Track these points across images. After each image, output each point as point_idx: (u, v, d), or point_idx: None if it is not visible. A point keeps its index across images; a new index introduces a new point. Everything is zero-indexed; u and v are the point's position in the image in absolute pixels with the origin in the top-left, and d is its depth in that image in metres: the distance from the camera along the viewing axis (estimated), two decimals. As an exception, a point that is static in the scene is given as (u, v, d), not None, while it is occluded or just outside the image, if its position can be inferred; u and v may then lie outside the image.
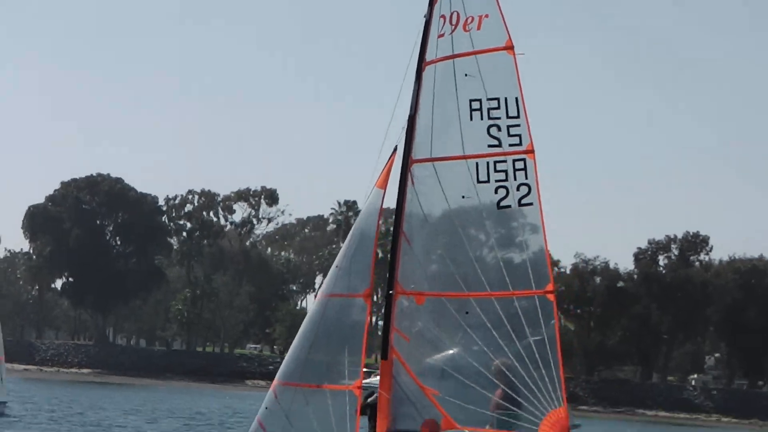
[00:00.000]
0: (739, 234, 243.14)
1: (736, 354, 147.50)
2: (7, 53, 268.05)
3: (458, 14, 23.56)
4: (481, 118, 23.29)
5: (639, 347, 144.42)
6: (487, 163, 23.20)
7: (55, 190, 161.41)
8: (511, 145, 23.14)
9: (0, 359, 56.65)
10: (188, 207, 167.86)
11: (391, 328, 23.79)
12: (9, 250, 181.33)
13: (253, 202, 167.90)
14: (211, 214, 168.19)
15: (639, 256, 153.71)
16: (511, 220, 23.47)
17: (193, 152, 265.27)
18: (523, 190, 23.24)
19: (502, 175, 23.21)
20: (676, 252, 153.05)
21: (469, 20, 23.49)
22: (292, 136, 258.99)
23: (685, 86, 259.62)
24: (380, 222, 24.38)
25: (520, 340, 23.00)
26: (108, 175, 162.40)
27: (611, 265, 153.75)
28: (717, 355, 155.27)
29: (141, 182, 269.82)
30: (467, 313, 23.43)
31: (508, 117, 23.20)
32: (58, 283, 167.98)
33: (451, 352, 23.53)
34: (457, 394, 23.35)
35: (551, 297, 23.20)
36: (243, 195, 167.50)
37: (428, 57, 23.67)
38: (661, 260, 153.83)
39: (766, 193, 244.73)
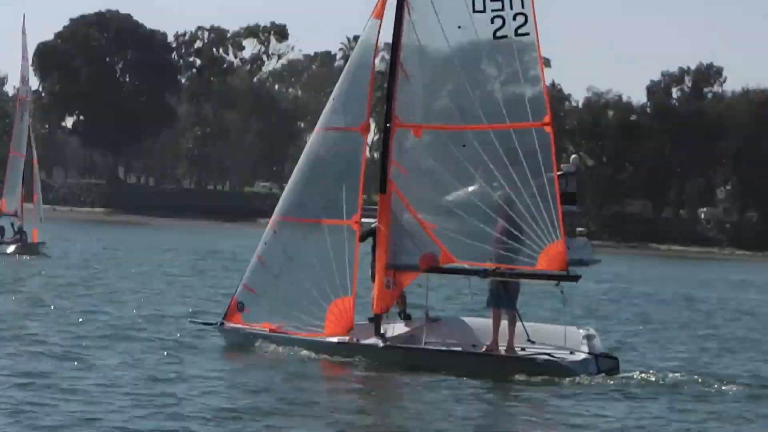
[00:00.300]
0: (754, 65, 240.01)
1: (748, 186, 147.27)
2: None
3: None
4: None
5: (651, 182, 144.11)
6: None
7: (64, 27, 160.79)
8: None
9: (36, 198, 55.54)
10: (198, 44, 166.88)
11: (389, 162, 23.66)
12: (18, 89, 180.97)
13: (263, 38, 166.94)
14: (221, 50, 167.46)
15: (652, 89, 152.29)
16: (508, 51, 23.10)
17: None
18: (520, 19, 22.91)
19: (498, 4, 22.89)
20: (689, 84, 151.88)
21: None
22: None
23: None
24: (377, 54, 24.16)
25: (518, 174, 22.82)
26: (117, 11, 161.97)
27: (624, 99, 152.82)
28: (728, 187, 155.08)
29: (150, 19, 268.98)
30: (464, 146, 23.29)
31: None
32: (69, 123, 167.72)
33: (448, 186, 23.44)
34: (455, 228, 23.31)
35: (549, 129, 22.90)
36: (253, 31, 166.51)
37: None
38: (675, 93, 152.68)
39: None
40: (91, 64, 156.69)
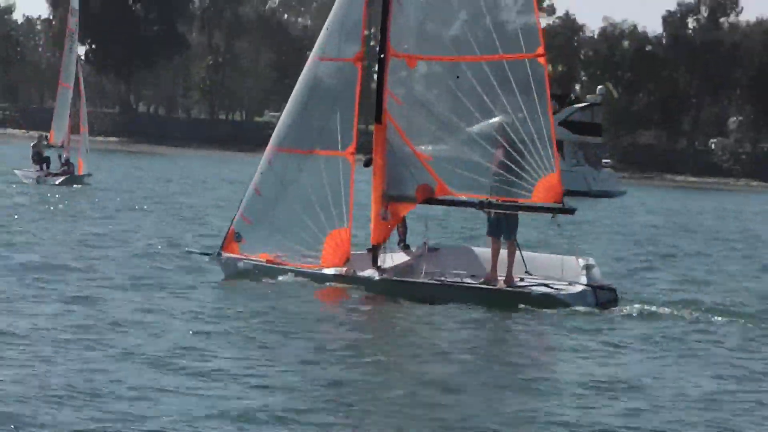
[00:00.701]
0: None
1: (762, 115, 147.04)
2: None
3: None
4: None
5: (666, 111, 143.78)
6: None
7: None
8: None
9: (83, 130, 55.46)
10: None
11: (384, 92, 23.61)
12: (27, 16, 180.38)
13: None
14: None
15: (668, 19, 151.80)
16: (501, -21, 23.03)
17: None
18: (512, -56, 22.94)
19: (493, -71, 22.91)
20: (705, 14, 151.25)
21: None
22: None
23: None
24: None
25: (512, 106, 22.80)
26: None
27: (639, 29, 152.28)
28: (740, 117, 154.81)
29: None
30: (458, 77, 23.26)
31: None
32: (80, 51, 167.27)
33: (444, 117, 23.41)
34: (451, 159, 23.35)
35: (542, 60, 22.84)
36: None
37: None
38: (690, 23, 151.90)
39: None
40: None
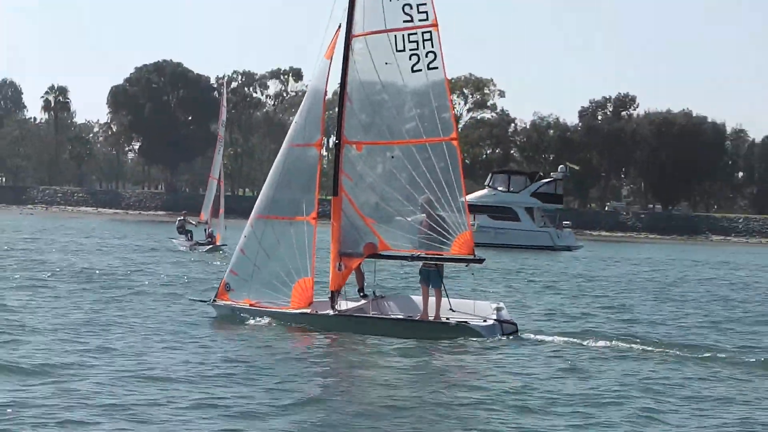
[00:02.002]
0: (660, 93, 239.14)
1: (650, 186, 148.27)
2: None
3: None
4: None
5: (580, 183, 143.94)
6: (403, 35, 22.57)
7: (131, 74, 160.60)
8: (420, 20, 22.50)
9: (221, 212, 56.12)
10: (234, 84, 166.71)
11: (339, 172, 23.27)
12: (88, 120, 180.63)
13: (283, 79, 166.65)
14: (251, 89, 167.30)
15: (582, 113, 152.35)
16: (422, 81, 22.63)
17: (236, 40, 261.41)
18: (430, 57, 22.59)
19: (414, 45, 22.58)
20: (610, 108, 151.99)
21: None
22: (306, 24, 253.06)
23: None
24: (327, 86, 23.70)
25: (433, 177, 22.54)
26: (171, 60, 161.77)
27: (561, 120, 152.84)
28: (632, 186, 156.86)
29: (197, 65, 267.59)
30: (392, 157, 22.94)
31: None
32: (133, 147, 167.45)
33: (383, 190, 23.03)
34: (389, 223, 22.96)
35: (455, 143, 22.63)
36: (275, 74, 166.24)
37: None
38: (600, 115, 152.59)
39: (679, 60, 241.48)
40: (152, 101, 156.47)
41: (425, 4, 22.36)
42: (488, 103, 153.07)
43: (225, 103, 64.17)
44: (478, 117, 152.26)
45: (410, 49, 22.48)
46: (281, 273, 23.00)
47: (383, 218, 22.91)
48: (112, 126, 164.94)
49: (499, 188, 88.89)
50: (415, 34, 22.41)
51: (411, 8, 22.40)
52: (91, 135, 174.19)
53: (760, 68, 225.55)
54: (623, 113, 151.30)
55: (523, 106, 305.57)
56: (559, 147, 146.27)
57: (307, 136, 23.36)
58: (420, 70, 22.52)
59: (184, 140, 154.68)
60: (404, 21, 22.45)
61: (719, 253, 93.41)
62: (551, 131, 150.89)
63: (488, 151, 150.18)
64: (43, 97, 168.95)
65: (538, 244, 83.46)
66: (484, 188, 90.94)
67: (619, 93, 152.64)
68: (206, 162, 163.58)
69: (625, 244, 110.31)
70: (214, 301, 23.76)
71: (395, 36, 22.53)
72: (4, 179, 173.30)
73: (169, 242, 59.07)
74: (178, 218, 60.90)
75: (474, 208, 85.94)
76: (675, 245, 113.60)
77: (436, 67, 22.48)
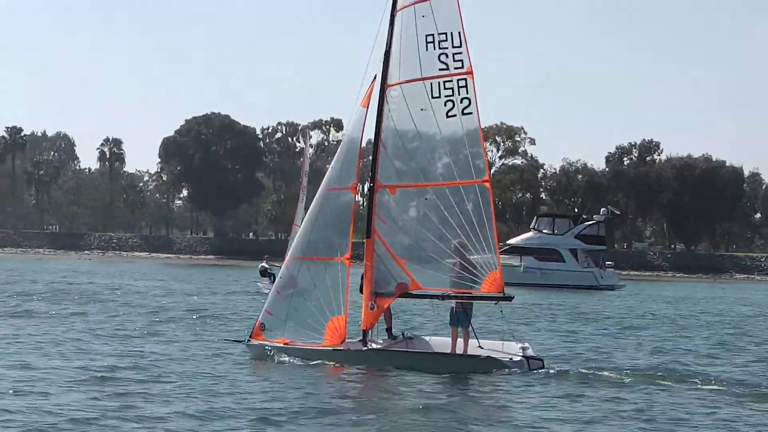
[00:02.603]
0: (684, 138, 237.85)
1: (673, 227, 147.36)
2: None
3: (417, -27, 22.68)
4: (434, 48, 22.35)
5: (608, 225, 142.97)
6: (439, 82, 22.26)
7: (181, 125, 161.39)
8: (455, 68, 22.21)
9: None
10: (278, 135, 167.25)
11: (372, 215, 22.85)
12: (138, 170, 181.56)
13: (325, 129, 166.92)
14: (294, 139, 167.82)
15: (609, 158, 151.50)
16: (457, 126, 22.29)
17: (280, 94, 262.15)
18: (465, 102, 22.22)
19: (449, 92, 22.25)
20: (636, 154, 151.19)
21: (425, -24, 22.60)
22: (349, 76, 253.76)
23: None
24: (363, 132, 23.38)
25: (465, 218, 22.09)
26: (219, 112, 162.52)
27: (589, 165, 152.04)
28: (654, 227, 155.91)
29: (244, 116, 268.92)
30: (426, 199, 22.52)
31: (453, 47, 22.27)
32: (182, 194, 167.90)
33: (416, 232, 22.58)
34: (421, 263, 22.46)
35: (487, 185, 22.24)
36: (317, 124, 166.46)
37: (399, 4, 22.68)
38: (626, 161, 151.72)
39: (703, 107, 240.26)
40: (201, 151, 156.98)
41: (461, 53, 22.06)
42: (519, 150, 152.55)
43: (308, 155, 64.58)
44: (509, 163, 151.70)
45: (445, 96, 22.17)
46: (316, 312, 22.47)
47: (416, 258, 22.42)
48: (162, 174, 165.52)
49: (544, 231, 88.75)
50: (451, 81, 22.12)
51: (447, 57, 22.14)
52: (141, 183, 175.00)
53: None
54: (648, 158, 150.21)
55: (553, 152, 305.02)
56: (586, 191, 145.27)
57: (342, 180, 22.97)
58: (455, 116, 22.19)
59: (231, 187, 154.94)
60: (440, 69, 22.17)
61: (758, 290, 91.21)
62: (579, 176, 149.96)
63: (519, 195, 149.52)
64: (98, 148, 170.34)
65: (582, 284, 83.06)
66: (529, 230, 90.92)
67: (644, 139, 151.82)
68: (251, 208, 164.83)
69: (662, 283, 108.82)
70: (249, 340, 23.26)
71: (431, 83, 22.23)
72: (56, 227, 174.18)
73: (254, 285, 59.17)
74: (261, 263, 61.30)
75: (520, 250, 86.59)
76: (720, 284, 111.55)
77: (471, 113, 22.15)
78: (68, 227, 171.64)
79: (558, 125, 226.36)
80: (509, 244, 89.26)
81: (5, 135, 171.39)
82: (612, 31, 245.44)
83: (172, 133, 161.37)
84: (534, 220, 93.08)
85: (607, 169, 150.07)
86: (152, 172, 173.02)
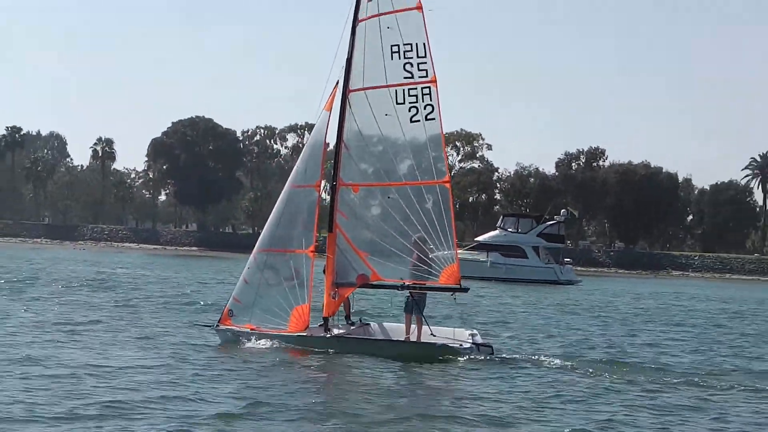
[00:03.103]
0: (628, 145, 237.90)
1: (615, 227, 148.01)
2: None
3: (383, -17, 22.14)
4: (399, 58, 21.93)
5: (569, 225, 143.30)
6: (404, 90, 21.84)
7: (168, 128, 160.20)
8: (420, 77, 21.80)
9: None
10: (256, 137, 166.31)
11: (335, 210, 22.31)
12: (125, 168, 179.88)
13: (300, 133, 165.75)
14: (271, 141, 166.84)
15: (559, 164, 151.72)
16: (420, 130, 21.86)
17: (259, 97, 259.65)
18: (428, 109, 21.80)
19: (413, 99, 21.83)
20: (583, 160, 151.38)
21: (390, -13, 22.06)
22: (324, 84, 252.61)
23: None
24: (327, 134, 22.83)
25: (426, 216, 21.60)
26: (203, 116, 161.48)
27: (541, 170, 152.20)
28: (596, 227, 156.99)
29: (225, 120, 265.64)
30: (389, 197, 22.01)
31: (417, 57, 21.88)
32: (167, 191, 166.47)
33: (377, 227, 22.04)
34: (382, 256, 21.95)
35: (447, 185, 21.82)
36: (293, 128, 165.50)
37: (360, 16, 22.19)
38: (574, 166, 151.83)
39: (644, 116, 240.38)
40: (187, 152, 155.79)
41: (425, 62, 21.70)
42: (477, 155, 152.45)
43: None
44: (468, 167, 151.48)
45: (410, 102, 21.76)
46: (281, 300, 21.91)
47: (377, 252, 21.92)
48: (149, 172, 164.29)
49: (509, 229, 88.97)
50: (415, 89, 21.73)
51: (412, 66, 21.76)
52: (129, 180, 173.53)
53: (703, 125, 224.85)
54: (594, 164, 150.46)
55: (508, 156, 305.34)
56: (538, 193, 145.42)
57: (307, 178, 22.43)
58: (418, 121, 21.77)
59: (212, 185, 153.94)
60: (404, 77, 21.79)
61: (711, 287, 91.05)
62: (532, 179, 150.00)
63: (475, 196, 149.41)
64: (92, 147, 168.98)
65: (543, 279, 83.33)
66: (495, 229, 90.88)
67: (591, 146, 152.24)
68: (230, 204, 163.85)
69: (608, 278, 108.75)
70: (218, 326, 22.59)
71: (395, 90, 21.82)
72: (49, 219, 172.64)
73: None
74: None
75: (487, 247, 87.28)
76: (660, 281, 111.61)
77: (434, 119, 21.74)
78: (62, 219, 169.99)
79: (512, 131, 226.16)
80: (477, 241, 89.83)
81: (5, 133, 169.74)
82: (569, 41, 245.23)
83: (159, 135, 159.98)
84: (500, 219, 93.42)
85: (556, 173, 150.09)
86: (139, 170, 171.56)
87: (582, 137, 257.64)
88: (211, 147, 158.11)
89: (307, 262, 21.89)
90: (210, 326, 23.26)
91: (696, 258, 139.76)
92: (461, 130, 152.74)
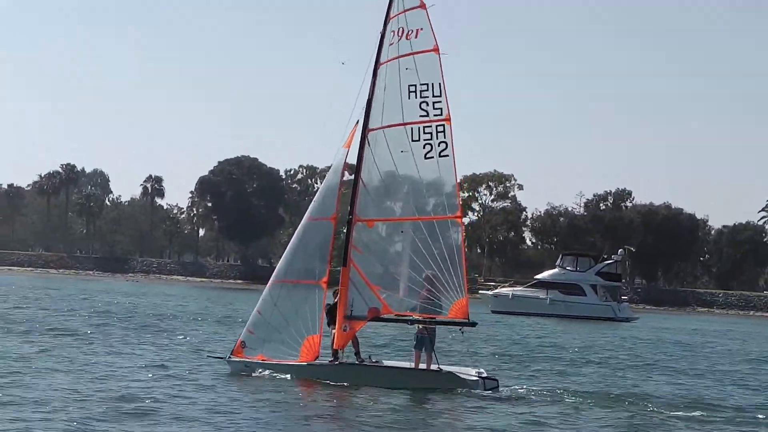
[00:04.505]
0: (653, 187, 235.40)
1: (638, 264, 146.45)
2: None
3: (403, 29, 22.03)
4: (416, 97, 21.73)
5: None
6: (419, 127, 21.60)
7: (214, 166, 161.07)
8: (435, 115, 21.58)
9: None
10: (299, 176, 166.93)
11: (349, 245, 21.83)
12: (169, 204, 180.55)
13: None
14: (312, 180, 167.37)
15: (587, 204, 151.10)
16: (434, 166, 21.54)
17: (302, 138, 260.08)
18: (442, 146, 21.54)
19: (428, 136, 21.56)
20: (611, 201, 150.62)
21: (411, 32, 21.94)
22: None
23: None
24: (344, 171, 22.48)
25: (437, 249, 21.15)
26: (248, 156, 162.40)
27: (569, 209, 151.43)
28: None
29: (270, 158, 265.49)
30: (402, 231, 21.67)
31: (433, 96, 21.67)
32: (214, 226, 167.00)
33: (390, 262, 21.58)
34: (393, 289, 21.44)
35: (459, 220, 21.46)
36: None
37: (382, 59, 22.05)
38: (602, 206, 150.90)
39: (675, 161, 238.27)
40: (232, 189, 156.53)
41: (440, 101, 21.45)
42: (509, 195, 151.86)
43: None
44: (499, 207, 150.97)
45: (424, 140, 21.46)
46: (293, 331, 21.43)
47: (389, 285, 21.43)
48: (193, 208, 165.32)
49: (568, 268, 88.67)
50: (430, 126, 21.47)
51: (427, 105, 21.54)
52: (173, 215, 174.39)
53: (722, 168, 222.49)
54: (621, 204, 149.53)
55: (537, 198, 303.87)
56: (567, 232, 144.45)
57: (323, 211, 22.03)
58: (432, 157, 21.45)
59: (256, 221, 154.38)
60: (420, 115, 21.52)
61: (746, 324, 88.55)
62: (561, 219, 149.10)
63: (504, 234, 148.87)
64: (142, 184, 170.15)
65: (601, 315, 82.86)
66: (554, 267, 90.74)
67: (618, 188, 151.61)
68: (272, 240, 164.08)
69: (647, 314, 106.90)
70: (230, 357, 22.06)
71: (411, 128, 21.55)
72: (96, 252, 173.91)
73: None
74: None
75: (546, 284, 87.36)
76: (699, 317, 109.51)
77: (447, 155, 21.44)
78: (109, 252, 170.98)
79: (541, 172, 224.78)
80: (537, 279, 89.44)
81: (60, 170, 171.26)
82: (594, 92, 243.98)
83: (206, 173, 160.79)
84: (559, 258, 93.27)
85: (585, 213, 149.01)
86: (181, 206, 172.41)
87: (607, 178, 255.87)
88: (255, 185, 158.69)
89: (320, 293, 21.43)
90: (222, 358, 22.74)
91: (720, 295, 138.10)
92: (494, 170, 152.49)
